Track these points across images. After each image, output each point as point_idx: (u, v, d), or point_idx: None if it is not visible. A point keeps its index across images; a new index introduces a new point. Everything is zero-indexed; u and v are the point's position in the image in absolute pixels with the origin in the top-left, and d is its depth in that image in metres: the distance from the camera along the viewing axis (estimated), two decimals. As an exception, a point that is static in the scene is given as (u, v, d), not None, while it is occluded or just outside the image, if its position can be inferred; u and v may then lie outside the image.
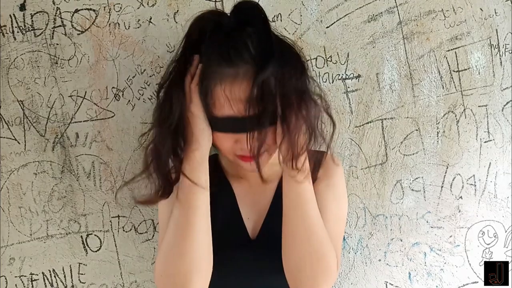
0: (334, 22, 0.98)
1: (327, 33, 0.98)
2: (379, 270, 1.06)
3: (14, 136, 0.98)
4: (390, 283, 1.07)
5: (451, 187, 1.04)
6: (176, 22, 0.96)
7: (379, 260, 1.06)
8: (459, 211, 1.05)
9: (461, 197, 1.05)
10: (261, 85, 0.68)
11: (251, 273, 0.81)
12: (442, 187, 1.04)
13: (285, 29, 0.97)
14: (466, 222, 1.06)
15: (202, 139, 0.74)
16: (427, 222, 1.05)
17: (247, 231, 0.83)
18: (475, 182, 1.05)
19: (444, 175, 1.04)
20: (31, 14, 0.95)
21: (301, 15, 0.97)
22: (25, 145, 0.98)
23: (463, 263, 1.07)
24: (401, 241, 1.05)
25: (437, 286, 1.07)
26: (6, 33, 0.95)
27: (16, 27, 0.95)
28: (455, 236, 1.06)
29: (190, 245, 0.72)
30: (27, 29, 0.95)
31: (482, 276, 1.07)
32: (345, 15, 0.97)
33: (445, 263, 1.06)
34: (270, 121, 0.70)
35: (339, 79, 1.00)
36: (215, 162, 0.89)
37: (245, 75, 0.68)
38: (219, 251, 0.79)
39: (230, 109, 0.69)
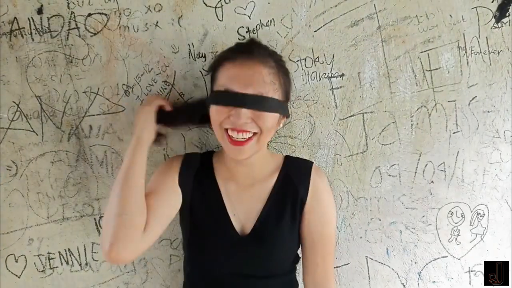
0: (321, 27, 1.08)
1: (315, 36, 1.09)
2: (361, 246, 1.18)
3: (32, 128, 1.07)
4: (370, 258, 1.19)
5: (423, 173, 1.17)
6: (180, 26, 1.05)
7: (360, 237, 1.18)
8: (431, 194, 1.18)
9: (432, 182, 1.17)
10: (266, 72, 0.83)
11: (239, 265, 0.90)
12: (415, 172, 1.16)
13: (278, 33, 1.07)
14: (437, 203, 1.18)
15: (144, 131, 0.91)
16: (402, 203, 1.17)
17: (234, 226, 0.92)
18: (444, 168, 1.17)
19: (418, 162, 1.16)
20: (47, 17, 1.04)
21: (291, 20, 1.07)
22: (42, 136, 1.08)
23: (434, 240, 1.20)
24: (380, 220, 1.17)
25: (411, 260, 1.20)
26: (25, 34, 1.04)
27: (34, 29, 1.04)
28: (427, 216, 1.18)
29: (124, 209, 0.81)
30: (44, 31, 1.04)
31: (450, 251, 1.20)
32: (331, 21, 1.08)
33: (418, 240, 1.19)
34: (265, 107, 0.83)
35: (325, 78, 1.10)
36: (208, 161, 0.98)
37: (255, 61, 0.83)
38: (206, 241, 0.90)
39: (233, 83, 0.82)
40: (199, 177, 0.94)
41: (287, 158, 0.99)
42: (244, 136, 0.83)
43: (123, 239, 0.79)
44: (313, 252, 0.94)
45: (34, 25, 1.04)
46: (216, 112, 0.85)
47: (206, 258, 0.92)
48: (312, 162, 0.99)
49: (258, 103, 0.82)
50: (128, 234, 0.79)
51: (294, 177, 0.94)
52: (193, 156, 0.99)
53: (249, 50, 0.85)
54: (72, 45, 1.05)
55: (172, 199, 0.91)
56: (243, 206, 0.93)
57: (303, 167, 0.96)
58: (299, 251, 0.99)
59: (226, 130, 0.84)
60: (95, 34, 1.05)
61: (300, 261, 1.00)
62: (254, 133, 0.84)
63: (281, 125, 0.92)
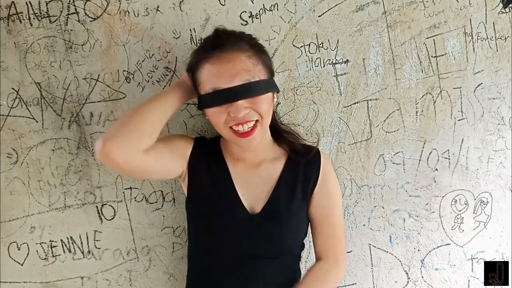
0: (326, 12, 1.06)
1: (319, 21, 1.07)
2: (364, 234, 1.18)
3: (32, 116, 1.06)
4: (373, 245, 1.19)
5: (427, 160, 1.16)
6: (182, 11, 1.03)
7: (364, 225, 1.18)
8: (435, 181, 1.17)
9: (436, 169, 1.17)
10: (245, 57, 0.82)
11: (248, 244, 0.91)
12: (419, 160, 1.16)
13: (281, 18, 1.05)
14: (441, 191, 1.18)
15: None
16: (406, 191, 1.17)
17: (244, 206, 0.93)
18: (449, 156, 1.17)
19: (422, 150, 1.15)
20: (46, 1, 1.01)
21: (295, 5, 1.05)
22: (43, 123, 1.06)
23: (438, 227, 1.19)
24: (383, 208, 1.17)
25: (414, 248, 1.20)
26: (23, 19, 1.02)
27: (32, 14, 1.02)
28: (430, 204, 1.18)
29: (142, 116, 0.83)
30: (42, 16, 1.02)
31: (454, 239, 1.20)
32: (336, 5, 1.06)
33: (421, 227, 1.19)
34: (257, 91, 0.83)
35: (330, 64, 1.09)
36: (216, 145, 0.99)
37: (230, 51, 0.82)
38: (217, 220, 0.91)
39: (219, 81, 0.82)
40: (209, 160, 0.95)
41: (293, 144, 1.00)
42: (249, 126, 0.85)
43: (122, 138, 0.79)
44: (322, 233, 0.96)
45: (33, 9, 1.02)
46: (214, 114, 0.85)
47: (217, 237, 0.92)
48: (318, 148, 0.99)
49: (249, 90, 0.82)
50: (129, 137, 0.80)
51: (303, 161, 0.96)
52: (203, 141, 1.00)
53: (219, 42, 0.83)
54: (71, 30, 1.03)
55: (177, 158, 0.92)
56: (251, 186, 0.94)
57: (310, 152, 0.97)
58: (305, 241, 0.99)
59: (231, 127, 0.85)
60: (94, 19, 1.03)
61: (304, 249, 1.00)
62: (256, 120, 0.86)
63: (275, 99, 0.92)
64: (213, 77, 0.82)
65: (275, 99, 0.92)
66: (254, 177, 0.95)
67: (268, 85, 0.86)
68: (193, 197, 0.95)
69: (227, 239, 0.91)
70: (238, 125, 0.84)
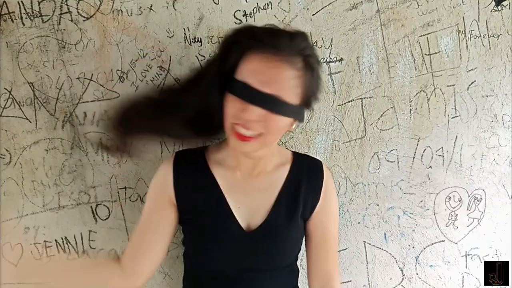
0: (319, 10, 1.06)
1: (313, 20, 1.07)
2: (358, 232, 1.19)
3: (25, 116, 1.05)
4: (368, 243, 1.19)
5: (421, 158, 1.16)
6: (175, 9, 1.03)
7: (358, 222, 1.18)
8: (429, 179, 1.18)
9: (430, 167, 1.17)
10: (290, 75, 0.76)
11: (245, 260, 0.88)
12: (414, 158, 1.16)
13: (275, 16, 1.05)
14: (435, 188, 1.18)
15: None
16: (400, 189, 1.17)
17: (238, 220, 0.88)
18: (443, 153, 1.17)
19: (416, 147, 1.16)
20: (38, 1, 1.00)
21: (289, 3, 1.05)
22: (36, 123, 1.05)
23: (432, 224, 1.20)
24: (378, 205, 1.18)
25: (409, 245, 1.21)
26: (15, 19, 1.01)
27: (24, 13, 1.01)
28: (425, 201, 1.19)
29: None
30: (35, 15, 1.01)
31: (448, 235, 1.21)
32: (329, 4, 1.06)
33: (416, 224, 1.20)
34: (278, 109, 0.77)
35: (324, 62, 1.09)
36: (201, 157, 0.92)
37: (282, 61, 0.75)
38: (208, 238, 0.88)
39: (254, 79, 0.75)
40: (195, 175, 0.90)
41: (296, 155, 0.97)
42: (251, 133, 0.79)
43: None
44: (316, 250, 0.95)
45: (25, 9, 1.01)
46: (231, 102, 0.79)
47: (209, 256, 0.89)
48: (321, 161, 0.97)
49: (272, 104, 0.76)
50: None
51: (305, 175, 0.92)
52: (184, 155, 0.94)
53: (280, 42, 0.75)
54: (64, 30, 1.02)
55: (168, 223, 0.92)
56: (249, 198, 0.90)
57: (314, 166, 0.94)
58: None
59: (234, 124, 0.80)
60: (87, 18, 1.02)
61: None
62: (261, 133, 0.80)
63: (294, 126, 0.85)
64: (250, 71, 0.76)
65: (294, 126, 0.85)
66: (252, 188, 0.90)
67: (292, 111, 0.79)
68: (185, 216, 0.92)
69: (222, 258, 0.88)
70: (240, 126, 0.78)
